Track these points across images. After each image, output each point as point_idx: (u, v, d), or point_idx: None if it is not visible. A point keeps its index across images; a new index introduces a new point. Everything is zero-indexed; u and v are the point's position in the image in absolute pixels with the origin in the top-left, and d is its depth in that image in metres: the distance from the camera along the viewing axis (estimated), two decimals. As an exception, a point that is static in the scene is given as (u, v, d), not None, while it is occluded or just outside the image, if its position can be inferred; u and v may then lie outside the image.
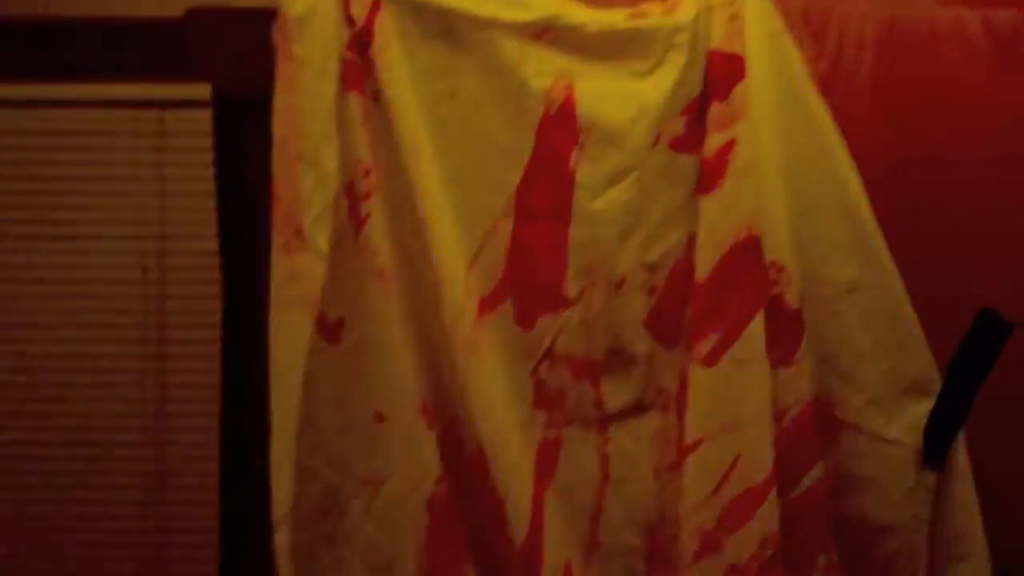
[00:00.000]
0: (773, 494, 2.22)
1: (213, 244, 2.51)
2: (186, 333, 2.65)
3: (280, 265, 2.19)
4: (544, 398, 2.27)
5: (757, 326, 2.22)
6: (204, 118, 2.54)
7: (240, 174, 2.46)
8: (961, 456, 2.31)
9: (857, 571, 2.31)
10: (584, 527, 2.27)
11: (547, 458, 2.27)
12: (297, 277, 2.18)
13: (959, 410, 2.30)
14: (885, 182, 2.32)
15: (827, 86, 2.32)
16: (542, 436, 2.27)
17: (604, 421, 2.27)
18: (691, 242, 2.26)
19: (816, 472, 2.27)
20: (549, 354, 2.25)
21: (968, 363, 2.30)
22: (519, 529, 2.22)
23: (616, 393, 2.27)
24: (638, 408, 2.28)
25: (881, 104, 2.34)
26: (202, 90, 2.54)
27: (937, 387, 2.29)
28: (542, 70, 2.24)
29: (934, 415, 2.30)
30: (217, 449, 2.50)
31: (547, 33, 2.24)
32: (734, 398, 2.23)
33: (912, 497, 2.29)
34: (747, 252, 2.23)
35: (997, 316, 2.30)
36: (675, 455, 2.26)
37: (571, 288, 2.25)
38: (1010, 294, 2.36)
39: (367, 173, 2.20)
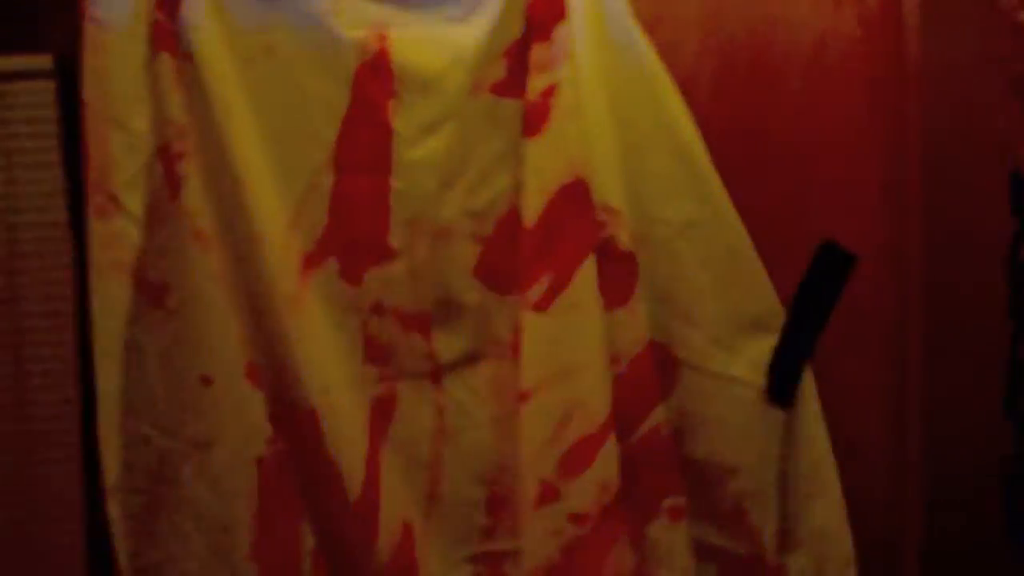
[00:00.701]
0: (612, 439, 2.19)
1: (63, 216, 2.48)
2: (40, 305, 2.62)
3: (96, 230, 2.18)
4: (375, 353, 2.24)
5: (588, 270, 2.19)
6: (48, 89, 2.50)
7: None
8: (809, 392, 2.26)
9: (706, 512, 2.28)
10: (422, 482, 2.24)
11: (380, 414, 2.25)
12: (113, 242, 2.17)
13: (804, 346, 2.26)
14: (717, 117, 2.28)
15: (655, 22, 2.26)
16: (374, 391, 2.25)
17: (438, 373, 2.24)
18: (518, 188, 2.20)
19: (657, 415, 2.25)
20: (377, 308, 2.23)
21: (810, 297, 2.26)
22: (354, 487, 2.20)
23: (448, 344, 2.24)
24: (472, 358, 2.25)
25: (711, 35, 2.28)
26: (43, 60, 2.50)
27: (780, 323, 2.23)
28: (355, 21, 2.21)
29: (778, 352, 2.25)
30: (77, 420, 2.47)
31: None
32: (568, 343, 2.19)
33: (758, 435, 2.25)
34: (575, 195, 2.19)
35: (838, 248, 2.26)
36: (512, 404, 2.21)
37: (395, 240, 2.22)
38: (853, 229, 2.29)
39: (181, 134, 2.18)
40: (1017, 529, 2.23)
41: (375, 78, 2.19)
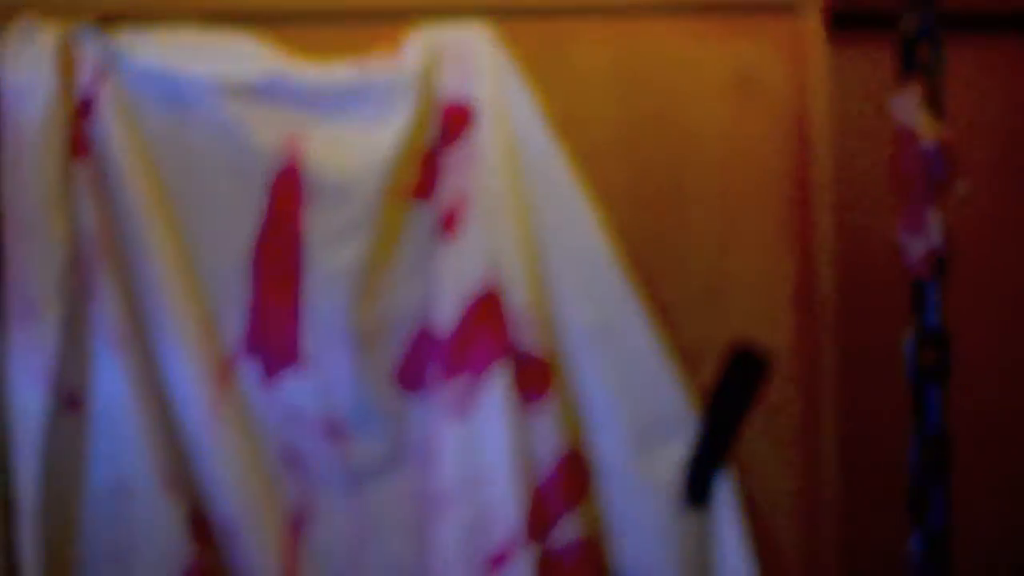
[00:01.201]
0: (527, 547, 2.19)
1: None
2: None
3: (12, 336, 2.17)
4: (292, 462, 2.24)
5: (501, 377, 2.19)
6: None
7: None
8: (728, 496, 2.27)
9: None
10: None
11: (299, 523, 2.25)
12: (30, 348, 2.16)
13: (718, 449, 2.27)
14: (631, 221, 2.29)
15: (566, 126, 2.28)
16: (292, 501, 2.23)
17: (356, 480, 2.24)
18: (432, 293, 2.22)
19: (573, 521, 2.24)
20: (293, 417, 2.22)
21: (723, 401, 2.28)
22: None
23: (365, 451, 2.24)
24: (390, 464, 2.25)
25: (621, 143, 2.30)
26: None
27: (693, 428, 2.25)
28: (269, 127, 2.22)
29: (692, 456, 2.27)
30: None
31: (273, 90, 2.22)
32: (482, 452, 2.21)
33: (674, 541, 2.26)
34: (489, 300, 2.21)
35: (751, 352, 2.28)
36: (429, 512, 2.21)
37: (310, 347, 2.22)
38: (765, 330, 2.31)
39: (97, 241, 2.18)
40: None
41: (289, 185, 2.21)
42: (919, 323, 2.02)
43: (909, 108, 1.86)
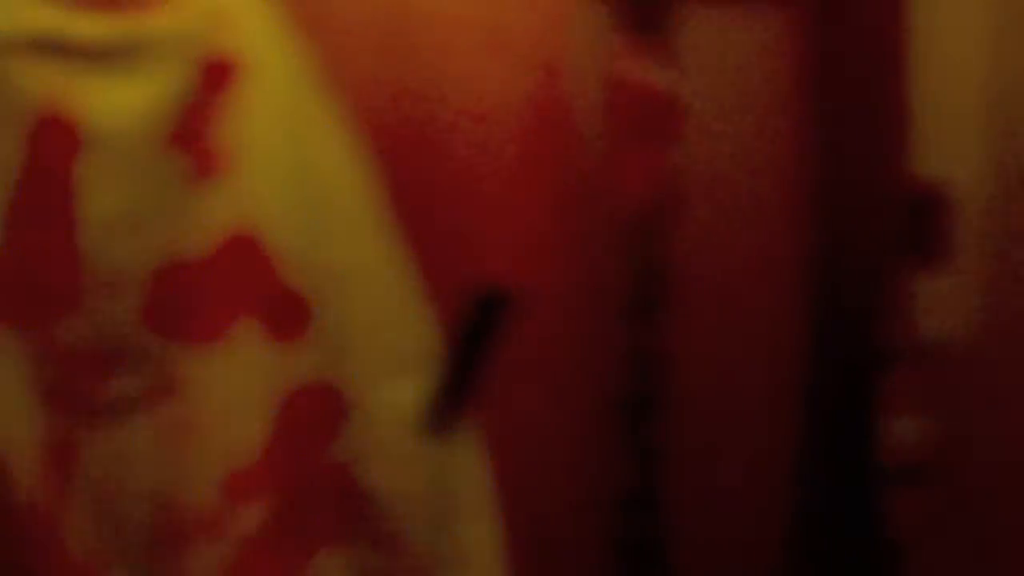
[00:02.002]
0: (273, 475, 2.33)
1: None
2: None
3: None
4: (54, 400, 2.32)
5: (252, 316, 2.30)
6: None
7: None
8: (470, 430, 2.42)
9: (370, 538, 2.43)
10: (107, 523, 2.34)
11: (61, 460, 2.32)
12: None
13: (462, 383, 2.40)
14: (390, 167, 2.40)
15: (332, 76, 2.37)
16: (54, 438, 2.32)
17: (114, 415, 2.33)
18: (193, 235, 2.31)
19: (325, 450, 2.38)
20: (56, 355, 2.30)
21: (468, 337, 2.40)
22: (40, 536, 2.29)
23: (124, 388, 2.33)
24: (148, 400, 2.34)
25: (383, 90, 2.41)
26: None
27: (439, 362, 2.38)
28: (38, 80, 2.26)
29: (437, 389, 2.39)
30: None
31: (42, 43, 2.26)
32: (235, 384, 2.32)
33: (417, 468, 2.40)
34: (245, 242, 2.31)
35: (496, 289, 2.40)
36: (184, 443, 2.32)
37: (76, 289, 2.29)
38: (517, 266, 2.44)
39: None
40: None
41: (55, 135, 2.26)
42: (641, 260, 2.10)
43: (634, 59, 1.95)
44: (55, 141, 2.26)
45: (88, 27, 2.29)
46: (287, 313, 2.33)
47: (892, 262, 3.19)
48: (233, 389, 2.30)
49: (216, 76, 2.28)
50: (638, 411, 2.28)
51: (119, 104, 2.27)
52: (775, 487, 3.19)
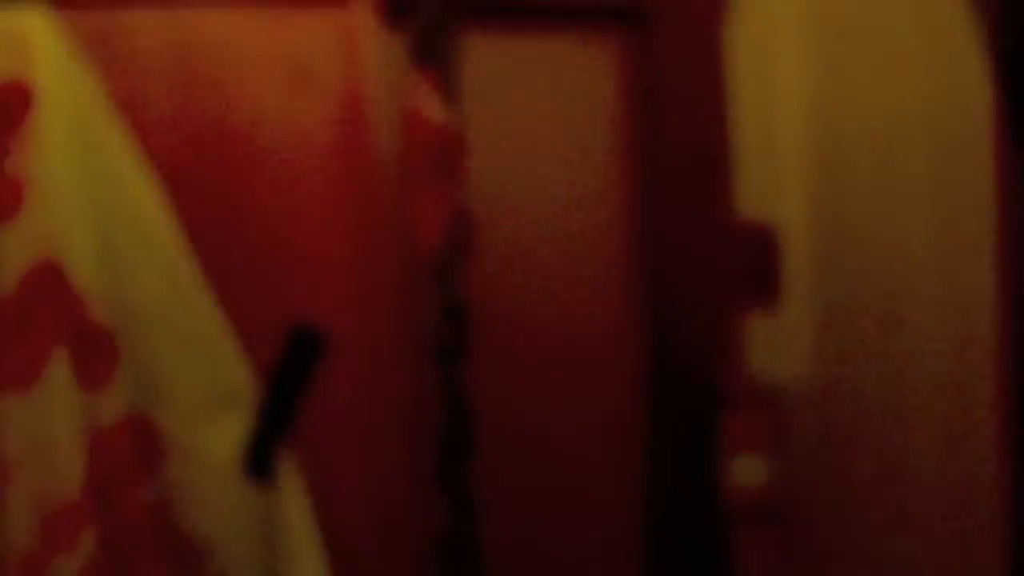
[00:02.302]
0: (90, 516, 2.25)
1: None
2: None
3: None
4: None
5: (62, 351, 2.25)
6: None
7: None
8: (289, 470, 2.37)
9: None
10: None
11: None
12: None
13: (279, 423, 2.35)
14: (190, 202, 2.36)
15: (127, 108, 2.34)
16: None
17: None
18: (-3, 274, 2.26)
19: (140, 489, 2.32)
20: None
21: (281, 377, 2.36)
22: None
23: None
24: None
25: (181, 124, 2.37)
26: None
27: (252, 401, 2.33)
28: None
29: (253, 429, 2.35)
30: None
31: None
32: (43, 423, 2.26)
33: (236, 511, 2.35)
34: (48, 278, 2.27)
35: (308, 330, 2.36)
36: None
37: None
38: (325, 309, 2.41)
39: None
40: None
41: None
42: (440, 301, 2.10)
43: (420, 94, 1.95)
44: None
45: None
46: (95, 348, 2.29)
47: (723, 303, 3.20)
48: (44, 429, 2.23)
49: (11, 105, 2.23)
50: (450, 453, 2.24)
51: None
52: (615, 530, 3.16)
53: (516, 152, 3.10)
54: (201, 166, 2.41)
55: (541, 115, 3.15)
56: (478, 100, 3.00)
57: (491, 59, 3.07)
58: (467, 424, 2.15)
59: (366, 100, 2.43)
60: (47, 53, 2.31)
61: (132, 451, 2.32)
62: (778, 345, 3.21)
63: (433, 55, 2.08)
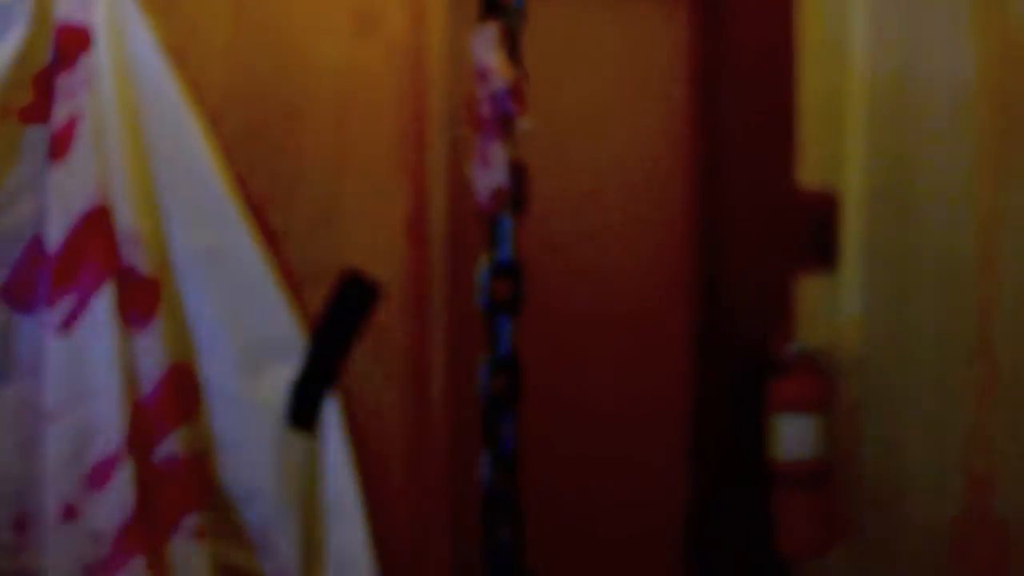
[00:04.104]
0: (129, 460, 2.23)
1: None
2: None
3: None
4: None
5: (107, 294, 2.23)
6: None
7: None
8: (334, 418, 2.35)
9: (230, 533, 2.36)
10: None
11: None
12: None
13: (325, 373, 2.34)
14: (246, 148, 2.34)
15: (182, 55, 2.31)
16: None
17: None
18: (44, 212, 2.24)
19: (178, 436, 2.30)
20: None
21: (332, 326, 2.34)
22: None
23: None
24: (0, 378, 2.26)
25: (238, 70, 2.35)
26: None
27: (301, 350, 2.31)
28: None
29: (298, 379, 2.33)
30: None
31: None
32: (87, 366, 2.24)
33: (278, 460, 2.33)
34: (96, 221, 2.24)
35: (361, 278, 2.34)
36: (35, 425, 2.24)
37: None
38: (377, 258, 2.39)
39: None
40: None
41: None
42: (492, 256, 2.07)
43: (486, 48, 1.92)
44: None
45: None
46: (139, 296, 2.26)
47: (779, 268, 3.18)
48: (87, 373, 2.22)
49: (68, 45, 2.24)
50: (496, 408, 2.20)
51: None
52: (662, 494, 3.15)
53: (579, 113, 3.11)
54: (257, 113, 2.38)
55: (606, 79, 3.13)
56: (545, 61, 2.99)
57: (560, 20, 3.07)
58: (515, 380, 2.11)
59: (431, 50, 2.39)
60: (105, -4, 2.27)
61: (171, 399, 2.29)
62: (831, 310, 3.16)
63: (498, 8, 2.03)
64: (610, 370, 3.09)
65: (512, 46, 2.00)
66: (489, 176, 1.98)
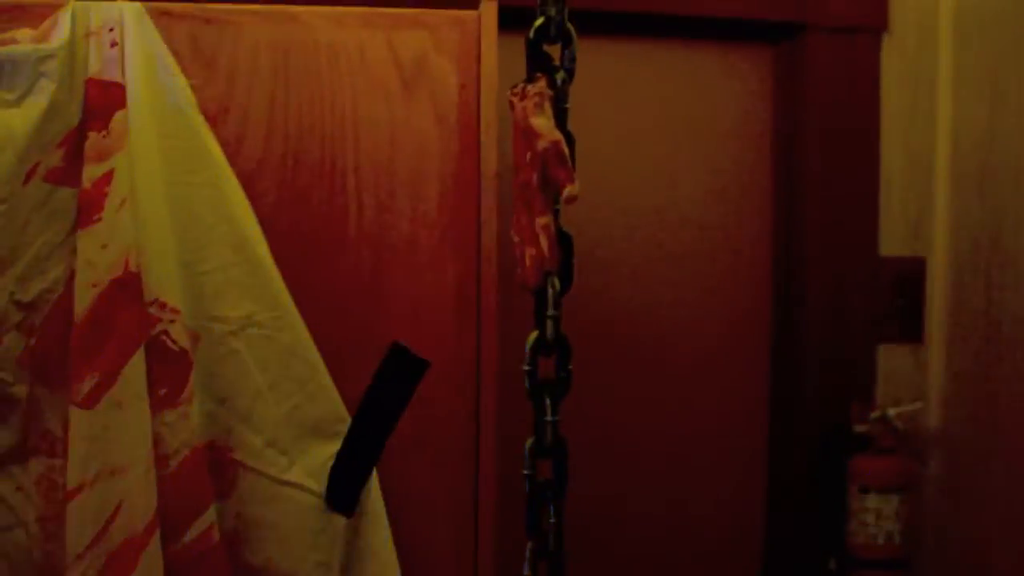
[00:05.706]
0: (156, 541, 2.11)
1: None
2: None
3: None
4: None
5: (135, 367, 2.12)
6: None
7: None
8: (374, 500, 2.22)
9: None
10: None
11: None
12: None
13: (368, 452, 2.22)
14: (285, 215, 2.23)
15: (220, 114, 2.21)
16: None
17: None
18: (72, 279, 2.14)
19: (208, 517, 2.17)
20: None
21: (377, 402, 2.22)
22: None
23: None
24: (20, 453, 2.16)
25: (278, 130, 2.23)
26: None
27: (343, 428, 2.20)
28: None
29: (340, 457, 2.21)
30: None
31: None
32: (114, 442, 2.12)
33: (317, 544, 2.22)
34: (125, 289, 2.13)
35: (408, 353, 2.22)
36: (60, 502, 2.13)
37: None
38: (425, 332, 2.26)
39: None
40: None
41: None
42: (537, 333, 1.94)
43: (531, 110, 1.79)
44: None
45: None
46: (170, 368, 2.15)
47: (861, 337, 3.10)
48: (114, 448, 2.11)
49: (99, 102, 2.14)
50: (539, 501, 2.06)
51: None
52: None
53: (653, 165, 3.04)
54: (299, 173, 2.26)
55: (682, 129, 3.05)
56: (617, 110, 2.90)
57: (634, 69, 2.98)
58: (562, 464, 1.96)
59: (482, 109, 2.27)
60: (140, 55, 2.18)
61: (201, 477, 2.17)
62: (914, 382, 3.08)
63: (547, 65, 1.90)
64: (682, 433, 3.05)
65: (559, 107, 1.86)
66: (532, 248, 1.84)
